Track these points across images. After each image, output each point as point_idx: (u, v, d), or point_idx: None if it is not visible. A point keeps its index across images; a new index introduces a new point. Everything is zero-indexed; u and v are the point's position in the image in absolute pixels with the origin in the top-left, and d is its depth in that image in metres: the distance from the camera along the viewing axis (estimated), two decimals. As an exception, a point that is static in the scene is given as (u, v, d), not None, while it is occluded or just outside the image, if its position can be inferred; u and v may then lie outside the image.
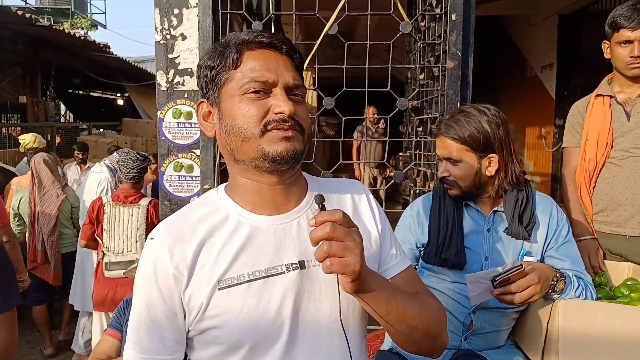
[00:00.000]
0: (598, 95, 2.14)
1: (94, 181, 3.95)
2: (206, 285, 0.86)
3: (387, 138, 2.16)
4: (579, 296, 1.48)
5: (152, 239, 0.91)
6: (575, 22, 6.28)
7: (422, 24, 2.43)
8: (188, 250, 0.88)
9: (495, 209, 1.59)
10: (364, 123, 5.89)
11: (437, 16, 2.08)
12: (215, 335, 0.87)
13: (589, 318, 1.42)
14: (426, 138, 2.30)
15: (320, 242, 0.78)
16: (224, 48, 0.90)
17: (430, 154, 2.28)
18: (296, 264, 0.89)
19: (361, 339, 0.97)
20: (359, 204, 1.01)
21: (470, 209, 1.61)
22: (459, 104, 1.96)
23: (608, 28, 2.04)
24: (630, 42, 1.96)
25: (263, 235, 0.90)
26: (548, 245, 1.58)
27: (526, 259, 1.50)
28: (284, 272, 0.88)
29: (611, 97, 2.10)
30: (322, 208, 0.81)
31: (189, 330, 0.90)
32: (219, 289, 0.86)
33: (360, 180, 2.24)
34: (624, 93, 2.09)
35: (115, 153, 4.27)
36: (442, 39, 2.02)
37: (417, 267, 1.65)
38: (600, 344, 1.39)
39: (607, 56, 2.09)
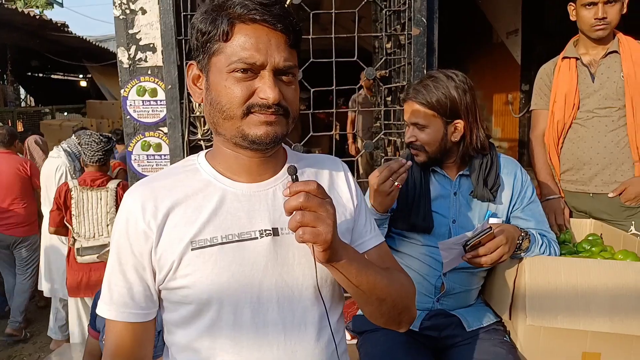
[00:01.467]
0: (564, 57, 2.19)
1: (51, 166, 3.84)
2: (178, 244, 0.88)
3: (357, 109, 2.17)
4: (543, 253, 1.54)
5: (128, 194, 0.92)
6: (539, -13, 6.33)
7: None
8: (161, 209, 0.89)
9: (461, 172, 1.62)
10: (360, 92, 5.43)
11: (402, -17, 2.07)
12: (184, 294, 0.89)
13: (553, 274, 1.48)
14: (395, 107, 2.31)
15: (294, 212, 0.79)
16: (217, 14, 0.86)
17: (399, 122, 2.30)
18: (269, 230, 0.91)
19: (336, 303, 1.00)
20: (336, 179, 1.03)
21: (436, 174, 1.64)
22: (425, 72, 1.97)
23: None
24: (594, 4, 1.99)
25: (238, 201, 0.91)
26: (513, 206, 1.63)
27: (492, 220, 1.55)
28: (256, 238, 0.90)
29: (577, 59, 2.14)
30: (295, 179, 0.82)
31: (159, 290, 0.92)
32: (192, 249, 0.88)
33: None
34: (589, 55, 2.13)
35: (73, 136, 4.15)
36: (407, 5, 2.02)
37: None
38: (564, 298, 1.46)
39: (572, 18, 2.13)
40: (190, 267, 0.87)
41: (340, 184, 1.03)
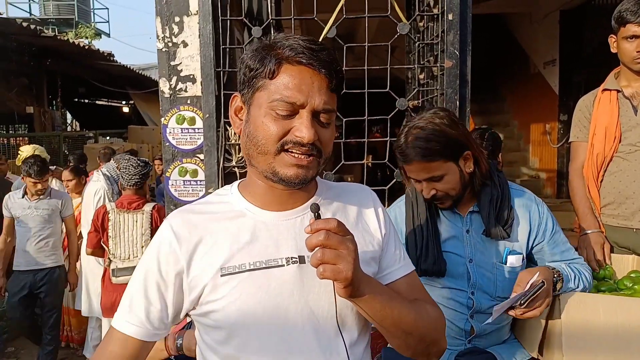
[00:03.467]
0: (605, 89, 2.14)
1: (91, 190, 4.00)
2: (209, 269, 0.91)
3: (388, 138, 2.18)
4: (577, 287, 1.49)
5: (166, 220, 0.97)
6: (577, 18, 6.27)
7: (421, 24, 2.45)
8: (194, 236, 0.93)
9: (471, 209, 1.55)
10: None
11: (435, 16, 2.10)
12: (215, 318, 0.92)
13: (591, 311, 1.43)
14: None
15: (316, 249, 0.82)
16: (267, 53, 0.89)
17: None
18: (296, 258, 0.93)
19: (362, 335, 1.00)
20: (364, 208, 1.04)
21: (445, 212, 1.57)
22: (458, 103, 1.98)
23: (614, 22, 2.03)
24: (636, 37, 1.95)
25: (267, 230, 0.94)
26: (534, 241, 1.56)
27: (510, 257, 1.50)
28: (283, 265, 0.92)
29: (618, 91, 2.09)
30: (318, 217, 0.85)
31: (188, 314, 0.96)
32: (221, 275, 0.91)
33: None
34: (630, 87, 2.08)
35: (112, 160, 4.30)
36: (440, 38, 2.04)
37: None
38: (603, 337, 1.40)
39: (613, 50, 2.08)
40: (220, 292, 0.90)
41: (368, 213, 1.04)
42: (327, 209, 1.00)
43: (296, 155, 0.88)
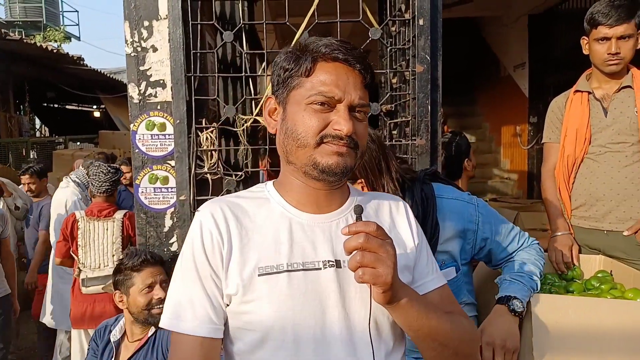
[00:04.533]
0: (577, 91, 2.16)
1: (60, 197, 3.89)
2: (244, 267, 0.90)
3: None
4: (531, 284, 1.49)
5: (198, 211, 0.96)
6: (545, 22, 6.42)
7: (393, 28, 2.47)
8: (232, 227, 0.92)
9: None
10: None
11: (407, 21, 2.11)
12: (248, 320, 0.90)
13: (561, 312, 1.45)
14: (400, 141, 2.32)
15: (354, 252, 0.81)
16: (301, 53, 0.92)
17: (405, 156, 2.30)
18: (332, 261, 0.92)
19: (398, 345, 0.98)
20: (396, 217, 1.04)
21: None
22: (429, 107, 1.99)
23: (586, 24, 2.05)
24: (607, 39, 1.98)
25: (303, 231, 0.94)
26: (474, 246, 1.55)
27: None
28: (320, 268, 0.91)
29: (589, 93, 2.11)
30: (359, 219, 0.84)
31: (225, 312, 0.92)
32: (259, 275, 0.89)
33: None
34: (602, 89, 2.10)
35: (81, 167, 4.21)
36: (411, 43, 2.06)
37: None
38: (573, 338, 1.42)
39: (585, 52, 2.11)
40: (256, 292, 0.89)
41: (401, 221, 1.04)
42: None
43: (335, 144, 0.89)
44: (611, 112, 2.06)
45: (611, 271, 1.88)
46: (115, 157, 6.12)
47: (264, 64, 2.19)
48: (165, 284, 1.96)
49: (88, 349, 2.10)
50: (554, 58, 6.30)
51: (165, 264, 2.02)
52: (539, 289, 1.51)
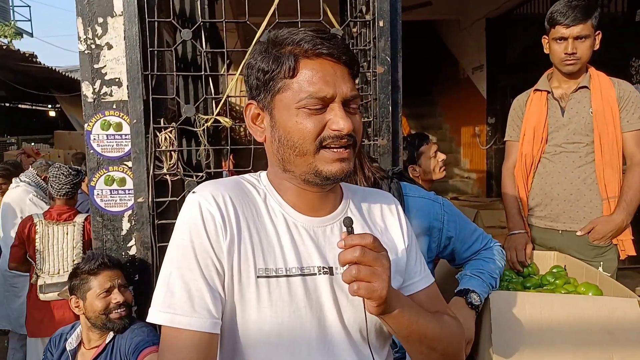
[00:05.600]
0: (536, 90, 2.18)
1: (13, 199, 3.71)
2: (243, 264, 0.84)
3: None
4: (490, 282, 1.51)
5: (194, 192, 0.88)
6: (502, 25, 6.62)
7: (354, 30, 2.48)
8: (233, 214, 0.86)
9: None
10: None
11: (367, 22, 2.12)
12: (242, 322, 0.84)
13: (518, 308, 1.49)
14: (363, 141, 2.34)
15: (348, 265, 0.78)
16: (279, 51, 0.86)
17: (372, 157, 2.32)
18: (326, 268, 0.89)
19: (386, 348, 0.97)
20: (387, 216, 1.02)
21: None
22: (390, 108, 2.01)
23: (546, 23, 2.07)
24: (564, 38, 1.99)
25: (299, 234, 0.90)
26: (440, 244, 1.58)
27: None
28: (315, 274, 0.88)
29: (548, 92, 2.13)
30: (351, 231, 0.81)
31: (223, 305, 0.85)
32: (257, 277, 0.84)
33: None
34: (561, 88, 2.12)
35: (30, 167, 4.04)
36: (372, 44, 2.07)
37: None
38: (529, 333, 1.47)
39: (546, 51, 2.12)
40: (253, 294, 0.84)
41: (392, 223, 1.01)
42: (355, 217, 0.96)
43: (336, 150, 0.85)
44: (568, 112, 2.09)
45: (565, 266, 1.95)
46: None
47: (226, 63, 2.16)
48: (123, 288, 1.90)
49: (43, 359, 2.01)
50: (511, 60, 6.50)
51: (123, 268, 1.96)
52: (497, 286, 1.55)
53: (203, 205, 0.85)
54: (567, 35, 1.99)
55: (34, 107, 14.67)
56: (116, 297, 1.85)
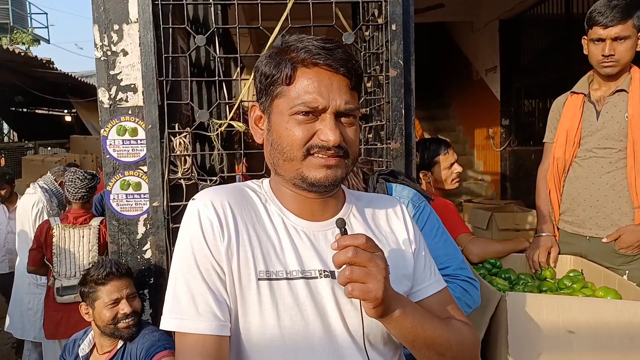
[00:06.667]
0: (573, 92, 2.11)
1: (27, 203, 3.79)
2: (244, 268, 0.85)
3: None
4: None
5: (194, 199, 0.90)
6: (515, 27, 6.57)
7: (367, 33, 2.48)
8: (232, 220, 0.87)
9: None
10: None
11: (380, 26, 2.12)
12: (243, 326, 0.85)
13: (534, 311, 1.48)
14: (376, 144, 2.34)
15: (343, 266, 0.78)
16: (282, 58, 0.88)
17: (380, 159, 2.32)
18: (328, 272, 0.89)
19: (394, 353, 0.95)
20: (393, 220, 1.01)
21: None
22: (403, 111, 2.00)
23: (585, 24, 1.99)
24: (602, 40, 1.91)
25: (300, 238, 0.91)
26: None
27: None
28: (317, 277, 0.88)
29: (585, 95, 2.06)
30: (344, 232, 0.81)
31: (229, 308, 0.86)
32: (258, 279, 0.85)
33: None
34: (599, 91, 2.04)
35: (49, 173, 4.11)
36: (384, 48, 2.07)
37: None
38: (546, 335, 1.45)
39: (585, 52, 2.03)
40: (255, 297, 0.84)
41: (398, 227, 1.00)
42: (357, 221, 0.96)
43: (323, 157, 0.86)
44: (603, 116, 2.00)
45: (582, 270, 1.93)
46: (77, 166, 5.86)
47: (239, 68, 2.18)
48: (132, 297, 1.90)
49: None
50: (525, 62, 6.44)
51: (132, 276, 1.96)
52: None
53: (202, 211, 0.87)
54: (605, 36, 1.90)
55: (50, 112, 14.91)
56: (124, 307, 1.85)
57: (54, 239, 3.03)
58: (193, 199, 0.90)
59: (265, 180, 0.99)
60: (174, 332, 0.84)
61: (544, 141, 2.28)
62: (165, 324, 0.84)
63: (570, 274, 1.90)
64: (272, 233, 0.90)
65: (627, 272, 1.96)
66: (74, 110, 13.07)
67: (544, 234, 2.12)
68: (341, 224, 0.82)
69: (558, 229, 2.18)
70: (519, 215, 4.52)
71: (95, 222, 3.10)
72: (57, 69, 9.39)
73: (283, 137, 0.87)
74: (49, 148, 11.07)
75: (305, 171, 0.87)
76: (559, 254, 2.07)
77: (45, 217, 3.59)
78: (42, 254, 3.09)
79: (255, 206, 0.92)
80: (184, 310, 0.83)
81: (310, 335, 0.86)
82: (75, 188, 3.08)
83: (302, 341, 0.85)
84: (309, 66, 0.86)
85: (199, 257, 0.85)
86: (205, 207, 0.88)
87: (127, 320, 1.85)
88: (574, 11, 5.41)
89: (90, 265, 1.95)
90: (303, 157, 0.86)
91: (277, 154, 0.89)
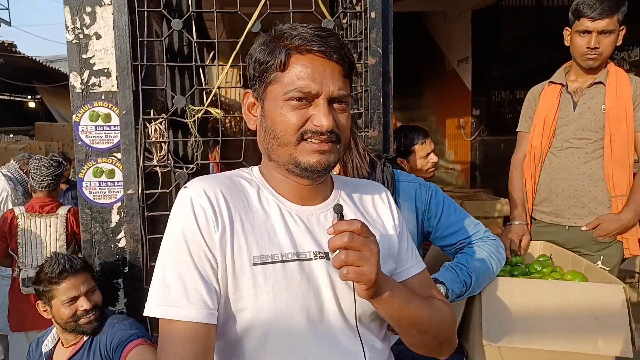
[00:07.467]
0: (551, 82, 2.14)
1: None
2: (237, 254, 0.86)
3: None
4: (471, 276, 1.47)
5: (185, 187, 0.91)
6: (488, 17, 6.66)
7: (344, 21, 2.48)
8: (225, 207, 0.88)
9: None
10: None
11: (358, 14, 2.12)
12: (240, 309, 0.86)
13: (507, 294, 1.53)
14: (354, 133, 2.35)
15: (338, 251, 0.81)
16: (276, 45, 0.89)
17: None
18: (322, 253, 0.91)
19: (382, 333, 0.99)
20: (379, 204, 1.05)
21: None
22: (381, 99, 2.02)
23: (571, 14, 2.01)
24: (588, 32, 1.93)
25: (293, 222, 0.93)
26: (423, 227, 1.61)
27: None
28: (311, 259, 0.90)
29: (562, 85, 2.09)
30: (341, 218, 0.84)
31: (218, 297, 0.86)
32: (253, 264, 0.86)
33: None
34: (577, 82, 2.07)
35: (12, 160, 3.98)
36: (363, 36, 2.07)
37: None
38: (519, 317, 1.50)
39: (567, 44, 2.06)
40: (250, 282, 0.85)
41: (384, 209, 1.05)
42: (347, 205, 0.99)
43: (316, 142, 0.88)
44: (580, 107, 2.04)
45: (551, 255, 2.00)
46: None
47: (212, 53, 2.15)
48: (91, 292, 1.82)
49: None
50: (497, 53, 6.56)
51: (91, 268, 1.90)
52: (476, 283, 1.49)
53: (194, 199, 0.88)
54: (592, 28, 1.92)
55: (12, 98, 14.36)
56: (83, 304, 1.78)
57: (18, 229, 2.94)
58: (185, 187, 0.91)
59: (255, 168, 1.00)
60: (149, 319, 0.84)
61: (517, 130, 2.32)
62: (152, 310, 0.84)
63: (540, 259, 1.96)
64: (265, 218, 0.91)
65: (602, 257, 2.04)
66: (38, 96, 12.62)
67: (516, 222, 2.17)
68: (338, 210, 0.85)
69: (532, 217, 2.24)
70: (488, 203, 4.64)
71: (63, 210, 3.02)
72: (19, 53, 9.04)
73: (277, 123, 0.89)
74: (11, 135, 10.68)
75: (298, 156, 0.89)
76: (529, 241, 2.12)
77: (10, 207, 3.48)
78: (6, 244, 3.00)
79: (247, 193, 0.94)
80: (174, 298, 0.83)
81: (305, 315, 0.88)
82: (41, 176, 3.00)
83: (297, 321, 0.88)
84: (302, 53, 0.88)
85: (191, 244, 0.86)
86: (198, 195, 0.88)
87: (88, 316, 1.78)
88: (545, 3, 5.53)
89: (44, 261, 1.87)
90: (297, 142, 0.88)
91: (271, 139, 0.90)
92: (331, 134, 0.88)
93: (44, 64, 10.42)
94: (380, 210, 1.05)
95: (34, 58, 9.72)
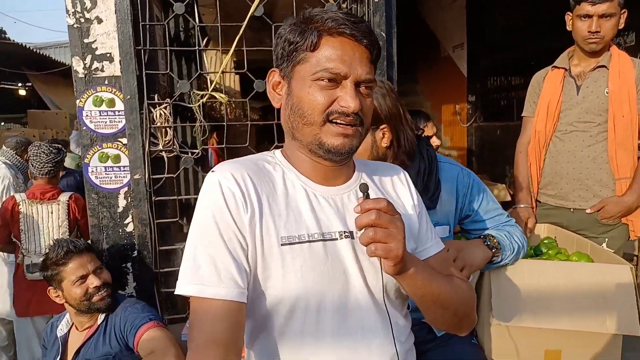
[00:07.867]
0: (554, 67, 2.16)
1: None
2: (266, 235, 0.88)
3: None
4: (513, 247, 1.54)
5: (213, 171, 0.92)
6: (482, 4, 6.63)
7: (344, 5, 2.46)
8: (252, 190, 0.90)
9: None
10: None
11: (361, -2, 2.11)
12: (269, 288, 0.88)
13: (517, 275, 1.55)
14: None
15: (365, 228, 0.83)
16: (307, 26, 0.90)
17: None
18: (348, 232, 0.93)
19: (404, 309, 1.02)
20: (398, 186, 1.08)
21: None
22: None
23: (572, 0, 2.03)
24: (589, 16, 1.95)
25: (318, 202, 0.94)
26: (463, 210, 1.63)
27: (437, 229, 1.57)
28: (337, 239, 0.92)
29: (565, 69, 2.11)
30: (367, 197, 0.86)
31: (248, 276, 0.88)
32: (281, 245, 0.88)
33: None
34: (580, 66, 2.09)
35: (4, 146, 3.93)
36: (367, 19, 2.06)
37: None
38: (527, 298, 1.53)
39: (568, 28, 2.08)
40: (279, 262, 0.87)
41: (403, 190, 1.07)
42: (368, 184, 0.99)
43: (342, 126, 0.89)
44: (583, 90, 2.06)
45: (555, 237, 2.02)
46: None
47: (206, 39, 2.13)
48: (99, 270, 1.84)
49: (42, 354, 1.97)
50: (492, 39, 6.54)
51: (94, 250, 1.91)
52: (513, 253, 1.54)
53: (223, 183, 0.89)
54: (593, 12, 1.95)
55: (2, 86, 14.14)
56: (93, 281, 1.80)
57: (20, 216, 2.92)
58: (212, 171, 0.92)
59: (277, 151, 1.02)
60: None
61: (522, 115, 2.34)
62: (184, 289, 0.86)
63: (545, 241, 1.99)
64: (292, 200, 0.93)
65: (606, 239, 2.07)
66: (29, 84, 12.44)
67: (522, 205, 2.20)
68: (364, 189, 0.87)
69: (537, 201, 2.26)
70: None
71: (64, 197, 3.00)
72: (9, 39, 8.89)
73: (304, 102, 0.90)
74: (2, 123, 10.55)
75: (323, 137, 0.90)
76: (535, 224, 2.15)
77: (13, 194, 3.45)
78: (8, 231, 2.98)
79: (272, 177, 0.95)
80: (206, 277, 0.85)
81: (332, 292, 0.90)
82: (41, 163, 2.97)
83: (324, 299, 0.89)
84: (334, 35, 0.89)
85: (222, 225, 0.87)
86: (225, 179, 0.90)
87: (100, 293, 1.80)
88: (540, -11, 5.51)
89: (48, 249, 1.88)
90: (322, 123, 0.90)
91: (297, 118, 0.92)
92: (356, 116, 0.89)
93: (35, 50, 10.26)
94: (399, 191, 1.07)
95: (24, 45, 9.56)
